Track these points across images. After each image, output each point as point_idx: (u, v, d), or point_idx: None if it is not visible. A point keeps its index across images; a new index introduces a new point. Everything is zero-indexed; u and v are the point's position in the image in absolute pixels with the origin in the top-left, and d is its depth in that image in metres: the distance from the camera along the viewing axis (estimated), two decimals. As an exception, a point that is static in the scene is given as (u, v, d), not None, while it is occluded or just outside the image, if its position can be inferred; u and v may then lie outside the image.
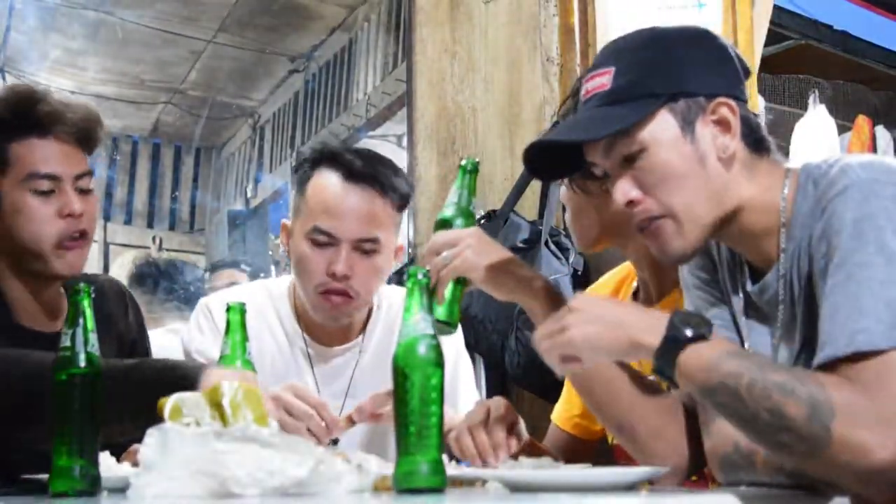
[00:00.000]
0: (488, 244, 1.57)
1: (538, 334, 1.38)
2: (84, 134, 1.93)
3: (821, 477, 1.26)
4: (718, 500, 1.29)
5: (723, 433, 1.42)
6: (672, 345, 1.29)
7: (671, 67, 1.42)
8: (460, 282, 1.55)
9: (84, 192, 1.91)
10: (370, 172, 2.05)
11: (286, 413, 1.74)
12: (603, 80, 1.43)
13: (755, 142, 1.44)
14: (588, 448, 1.92)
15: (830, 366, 1.24)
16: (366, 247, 2.03)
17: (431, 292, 1.48)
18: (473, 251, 1.54)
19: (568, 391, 2.00)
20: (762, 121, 1.51)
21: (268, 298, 2.16)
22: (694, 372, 1.28)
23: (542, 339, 1.38)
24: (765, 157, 1.45)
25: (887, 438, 1.17)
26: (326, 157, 2.08)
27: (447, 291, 1.53)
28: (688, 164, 1.40)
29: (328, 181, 2.05)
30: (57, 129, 1.88)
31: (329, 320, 2.09)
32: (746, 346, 1.48)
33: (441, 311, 1.52)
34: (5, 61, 3.71)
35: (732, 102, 1.41)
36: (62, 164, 1.88)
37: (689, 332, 1.28)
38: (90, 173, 1.95)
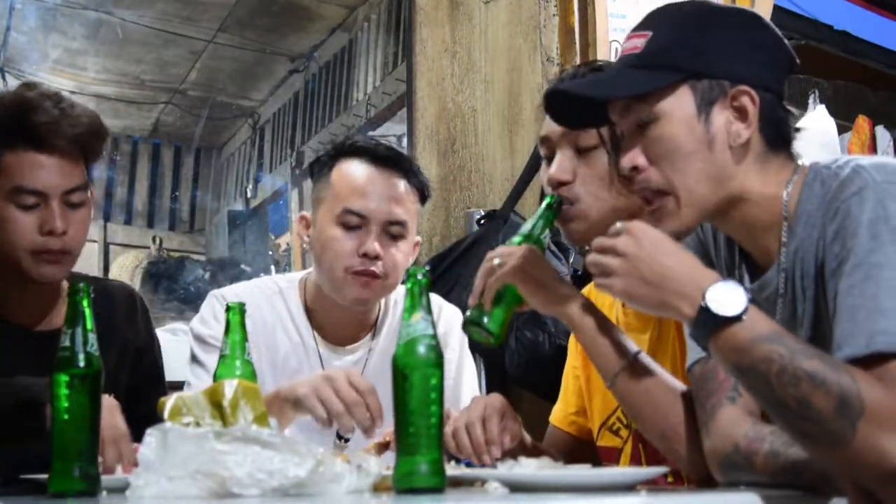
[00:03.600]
0: (539, 260, 1.59)
1: (595, 243, 1.41)
2: (83, 146, 1.90)
3: (839, 472, 1.25)
4: (719, 500, 1.30)
5: (722, 433, 1.42)
6: (706, 320, 1.29)
7: (702, 46, 1.43)
8: (512, 299, 1.57)
9: (74, 206, 1.88)
10: (395, 157, 2.12)
11: (334, 394, 1.76)
12: (637, 43, 1.44)
13: (775, 136, 1.44)
14: (586, 447, 1.92)
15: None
16: (393, 230, 2.08)
17: (479, 306, 1.56)
18: (524, 261, 1.56)
19: (564, 391, 1.99)
20: None
21: (279, 294, 2.17)
22: (726, 352, 1.29)
23: (595, 247, 1.40)
24: (781, 153, 1.45)
25: None
26: (348, 149, 2.13)
27: (498, 305, 1.56)
28: (695, 143, 1.41)
29: (355, 166, 2.10)
30: (52, 142, 1.84)
31: (354, 302, 2.10)
32: None
33: (487, 320, 1.56)
34: (5, 61, 3.71)
35: (754, 92, 1.40)
36: (52, 178, 1.85)
37: (722, 312, 1.27)
38: (84, 187, 1.91)
